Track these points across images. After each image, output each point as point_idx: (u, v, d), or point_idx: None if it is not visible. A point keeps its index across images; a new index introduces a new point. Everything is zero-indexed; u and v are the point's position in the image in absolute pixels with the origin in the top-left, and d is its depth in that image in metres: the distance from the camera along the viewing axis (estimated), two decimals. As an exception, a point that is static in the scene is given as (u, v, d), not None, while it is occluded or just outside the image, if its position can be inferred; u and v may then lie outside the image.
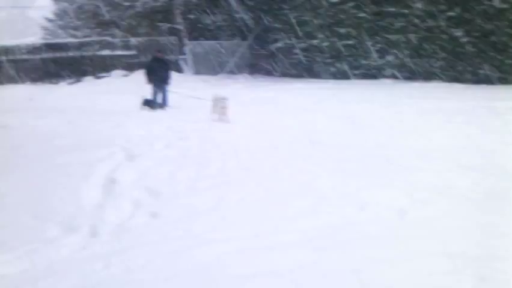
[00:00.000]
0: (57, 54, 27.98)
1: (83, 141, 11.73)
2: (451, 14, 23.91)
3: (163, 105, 18.65)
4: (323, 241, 6.04)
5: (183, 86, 24.36)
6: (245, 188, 8.10)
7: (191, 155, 10.51)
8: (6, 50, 27.24)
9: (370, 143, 11.43)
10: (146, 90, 18.71)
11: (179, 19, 32.15)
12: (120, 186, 8.28)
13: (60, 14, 48.45)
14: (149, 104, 18.31)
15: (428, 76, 24.99)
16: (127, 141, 11.57)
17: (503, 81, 22.75)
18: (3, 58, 27.08)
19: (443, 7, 24.10)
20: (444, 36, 24.26)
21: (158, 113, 17.13)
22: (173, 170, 9.18)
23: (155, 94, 18.84)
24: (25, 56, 27.59)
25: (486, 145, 10.96)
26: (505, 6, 22.42)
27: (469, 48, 23.56)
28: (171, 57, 29.75)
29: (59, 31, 47.14)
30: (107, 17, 36.83)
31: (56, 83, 27.52)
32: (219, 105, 15.02)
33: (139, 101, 18.32)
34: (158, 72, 18.77)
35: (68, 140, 11.77)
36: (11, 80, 27.07)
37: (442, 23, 24.23)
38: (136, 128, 13.49)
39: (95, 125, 14.07)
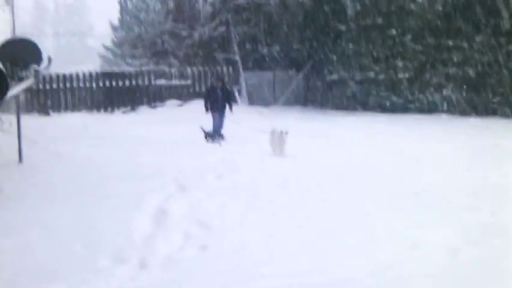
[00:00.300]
0: (113, 83, 28.33)
1: (135, 170, 11.84)
2: (511, 48, 23.58)
3: (222, 135, 18.19)
4: (373, 279, 5.94)
5: (237, 116, 24.47)
6: (295, 222, 8.05)
7: (242, 188, 10.49)
8: (64, 78, 27.72)
9: (423, 179, 11.26)
10: (201, 120, 18.82)
11: (235, 49, 32.38)
12: (171, 217, 8.31)
13: (119, 43, 49.32)
14: (211, 135, 17.94)
15: (485, 111, 24.57)
16: (179, 172, 11.64)
17: None
18: (60, 86, 27.56)
19: (503, 41, 23.80)
20: (504, 71, 23.90)
21: (212, 143, 17.17)
22: (224, 203, 9.18)
23: (215, 122, 18.33)
24: (81, 84, 28.02)
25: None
26: None
27: (529, 83, 23.18)
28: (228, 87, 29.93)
29: (117, 59, 47.95)
30: (164, 46, 37.29)
31: (111, 112, 27.85)
32: (278, 139, 14.92)
33: (197, 132, 18.41)
34: (218, 100, 18.29)
35: (121, 169, 11.90)
36: (67, 108, 27.50)
37: (502, 57, 23.91)
38: (189, 159, 13.56)
39: (148, 155, 14.19)
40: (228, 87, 19.63)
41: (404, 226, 7.72)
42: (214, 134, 17.94)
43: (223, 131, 18.41)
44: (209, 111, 18.37)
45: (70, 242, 7.21)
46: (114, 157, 13.77)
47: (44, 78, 26.18)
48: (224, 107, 18.42)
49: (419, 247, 6.90)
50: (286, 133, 14.61)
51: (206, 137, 17.82)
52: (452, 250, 6.74)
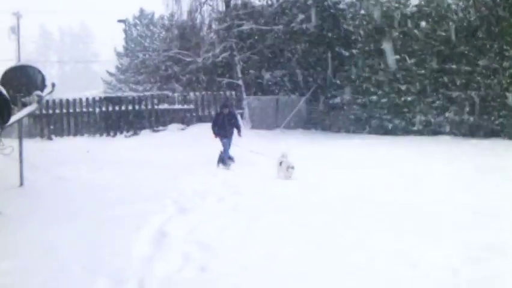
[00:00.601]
0: (116, 108, 28.41)
1: (137, 194, 11.83)
2: (513, 71, 23.68)
3: (232, 157, 18.03)
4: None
5: (239, 140, 24.49)
6: (296, 243, 7.99)
7: (243, 210, 10.45)
8: (67, 103, 27.82)
9: (425, 199, 11.24)
10: (203, 144, 18.81)
11: (238, 74, 32.49)
12: (170, 239, 8.27)
13: (123, 69, 49.65)
14: (221, 160, 17.84)
15: (488, 133, 24.64)
16: (180, 195, 11.63)
17: None
18: (63, 111, 27.65)
19: (506, 64, 23.87)
20: (506, 94, 23.96)
21: (214, 167, 17.13)
22: (224, 225, 9.13)
23: (226, 148, 18.22)
24: (84, 109, 28.10)
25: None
26: None
27: (531, 105, 23.22)
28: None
29: (121, 85, 48.22)
30: (168, 72, 37.45)
31: (114, 136, 27.91)
32: (285, 167, 14.86)
33: (198, 155, 18.45)
34: (225, 126, 18.33)
35: (122, 193, 11.88)
36: (69, 133, 27.59)
37: (504, 81, 23.97)
38: (190, 182, 13.55)
39: (149, 178, 14.19)
40: (235, 112, 19.61)
41: (405, 246, 7.68)
42: (224, 158, 17.88)
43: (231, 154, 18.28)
44: (217, 136, 18.40)
45: (70, 263, 7.18)
46: (116, 180, 13.78)
47: (47, 103, 26.32)
48: (232, 132, 18.46)
49: (419, 266, 6.86)
50: (293, 168, 14.57)
51: (218, 162, 17.76)
52: (452, 269, 6.71)
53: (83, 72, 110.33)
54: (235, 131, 18.55)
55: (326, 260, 7.20)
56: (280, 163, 15.05)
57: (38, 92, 13.67)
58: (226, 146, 18.20)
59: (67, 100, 28.07)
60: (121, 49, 52.08)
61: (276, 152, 16.11)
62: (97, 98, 29.15)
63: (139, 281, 6.56)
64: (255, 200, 11.49)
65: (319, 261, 7.16)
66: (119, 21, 50.36)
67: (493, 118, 24.47)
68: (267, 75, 33.95)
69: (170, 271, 6.93)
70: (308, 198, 11.61)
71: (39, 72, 14.06)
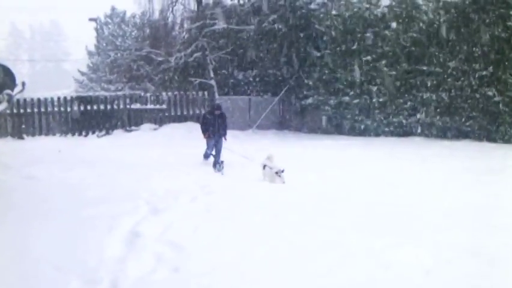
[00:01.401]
0: (88, 107, 28.24)
1: (109, 194, 11.75)
2: (483, 73, 23.88)
3: (222, 162, 17.66)
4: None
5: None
6: (269, 243, 8.02)
7: (216, 210, 10.46)
8: (38, 102, 27.58)
9: (397, 200, 11.33)
10: (175, 144, 18.75)
11: (211, 74, 32.46)
12: (143, 239, 8.24)
13: (94, 68, 49.38)
14: (215, 165, 17.64)
15: (458, 135, 24.88)
16: (152, 195, 11.59)
17: (535, 141, 22.61)
18: (35, 110, 27.41)
19: (476, 66, 24.10)
20: (476, 95, 24.19)
21: (187, 167, 17.07)
22: (197, 224, 9.12)
23: (211, 148, 18.28)
24: (56, 109, 27.89)
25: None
26: (538, 66, 22.42)
27: (501, 107, 23.44)
28: (201, 112, 30.01)
29: (92, 84, 47.95)
30: (140, 71, 37.34)
31: (86, 136, 27.74)
32: (274, 173, 14.72)
33: (171, 155, 18.39)
34: (215, 128, 18.25)
35: (95, 193, 11.80)
36: (41, 132, 27.33)
37: (474, 82, 24.20)
38: (163, 182, 13.51)
39: (122, 178, 14.13)
40: (224, 114, 19.30)
41: (377, 246, 7.74)
42: (213, 160, 17.98)
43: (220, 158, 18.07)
44: (206, 135, 18.36)
45: (42, 264, 7.13)
46: (88, 181, 13.69)
47: (18, 102, 26.10)
48: (221, 135, 18.43)
49: (392, 267, 6.92)
50: (282, 171, 14.34)
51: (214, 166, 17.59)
52: (425, 270, 6.78)
53: (54, 71, 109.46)
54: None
55: (298, 260, 7.23)
56: (264, 166, 14.96)
57: (8, 91, 13.51)
58: (211, 148, 18.29)
59: (38, 99, 27.82)
60: (92, 48, 51.78)
61: (249, 152, 16.16)
62: (69, 98, 28.95)
63: (112, 282, 6.55)
64: (227, 200, 11.48)
65: (291, 262, 7.20)
66: (91, 19, 50.05)
67: (463, 119, 24.69)
68: (239, 76, 33.98)
69: (143, 272, 6.93)
70: (280, 198, 11.63)
71: (9, 70, 13.91)
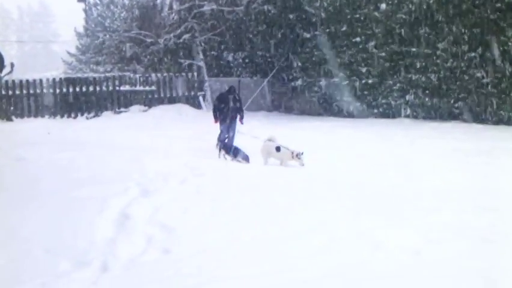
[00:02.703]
0: (77, 89, 28.09)
1: (99, 175, 11.73)
2: (472, 54, 23.92)
3: (237, 148, 16.53)
4: (335, 280, 5.98)
5: (200, 122, 24.48)
6: (259, 225, 8.05)
7: (206, 192, 10.47)
8: (27, 84, 27.42)
9: (386, 182, 11.39)
10: (165, 126, 18.69)
11: (200, 56, 32.38)
12: (133, 221, 8.26)
13: (83, 49, 49.07)
14: (226, 148, 16.60)
15: (447, 116, 24.95)
16: (142, 177, 11.58)
17: (523, 122, 22.71)
18: (24, 92, 27.25)
19: (465, 48, 24.13)
20: (465, 77, 24.24)
21: (177, 148, 17.01)
22: (187, 206, 9.14)
23: (224, 134, 17.20)
24: (45, 90, 27.74)
25: (503, 186, 10.87)
26: (526, 48, 22.47)
27: (490, 89, 23.51)
28: (191, 93, 29.94)
29: (81, 66, 47.70)
30: (129, 52, 37.16)
31: (75, 117, 27.62)
32: (294, 155, 14.45)
33: (160, 137, 18.33)
34: (228, 111, 17.17)
35: (85, 174, 11.78)
36: (30, 114, 27.14)
37: (463, 64, 24.24)
38: (153, 163, 13.48)
39: (112, 160, 14.07)
40: (239, 97, 18.27)
41: (367, 227, 7.77)
42: (225, 147, 16.69)
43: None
44: (219, 121, 17.28)
45: (32, 246, 7.15)
46: (78, 162, 13.63)
47: (6, 83, 25.96)
48: (235, 118, 17.39)
49: (382, 248, 6.96)
50: (302, 153, 14.29)
51: (221, 150, 16.69)
52: (414, 251, 6.82)
53: (43, 53, 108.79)
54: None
55: (288, 242, 7.27)
56: (278, 148, 14.78)
57: (-3, 72, 13.46)
58: (224, 133, 17.24)
59: (27, 81, 27.67)
60: (81, 29, 51.43)
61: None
62: (58, 79, 28.79)
63: (102, 264, 6.59)
64: (217, 182, 11.49)
65: (281, 243, 7.24)
66: (79, 0, 49.70)
67: (452, 101, 24.77)
68: (228, 57, 33.93)
69: (133, 253, 6.96)
70: (270, 181, 11.65)
71: (-2, 52, 13.81)
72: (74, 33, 52.53)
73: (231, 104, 17.22)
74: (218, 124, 17.31)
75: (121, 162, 13.60)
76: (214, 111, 17.44)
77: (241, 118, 17.42)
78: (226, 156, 16.13)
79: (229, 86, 18.54)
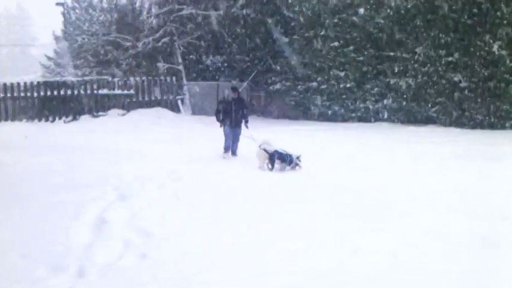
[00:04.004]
0: (55, 93, 27.94)
1: (76, 180, 11.69)
2: (450, 59, 24.09)
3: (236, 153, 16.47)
4: (313, 284, 5.99)
5: (179, 125, 24.45)
6: (237, 229, 8.05)
7: (184, 196, 10.46)
8: (4, 87, 27.24)
9: (364, 185, 11.41)
10: (143, 130, 18.59)
11: (179, 60, 32.34)
12: (110, 226, 8.22)
13: (61, 53, 48.79)
14: (227, 149, 16.30)
15: (425, 120, 25.14)
16: (120, 181, 11.55)
17: (499, 126, 22.87)
18: (1, 96, 27.05)
19: (442, 52, 24.29)
20: (443, 81, 24.41)
21: (155, 153, 16.92)
22: (165, 211, 9.13)
23: (229, 140, 16.36)
24: (22, 94, 27.58)
25: (480, 190, 10.94)
26: (503, 52, 22.60)
27: (467, 93, 23.68)
28: (169, 97, 29.85)
29: (60, 69, 47.43)
30: (107, 56, 37.02)
31: (53, 121, 27.45)
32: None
33: (139, 141, 18.22)
34: (232, 114, 16.33)
35: (62, 179, 11.73)
36: (7, 117, 27.00)
37: (441, 68, 24.40)
38: (130, 168, 13.44)
39: (89, 164, 14.03)
40: (243, 98, 17.54)
41: (345, 231, 7.81)
42: (227, 149, 16.34)
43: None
44: (223, 125, 16.37)
45: (8, 251, 7.08)
46: (55, 166, 13.57)
47: (-17, 87, 25.79)
48: (239, 122, 16.48)
49: (359, 252, 6.99)
50: (299, 157, 14.04)
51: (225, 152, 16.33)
52: (392, 254, 6.86)
53: (20, 56, 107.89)
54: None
55: (267, 246, 7.27)
56: (265, 150, 14.18)
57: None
58: (229, 137, 16.39)
59: (4, 84, 27.49)
60: (59, 33, 51.14)
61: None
62: (36, 83, 28.63)
63: (79, 269, 6.54)
64: (196, 186, 11.49)
65: (260, 247, 7.24)
66: (58, 4, 49.34)
67: (429, 105, 24.94)
68: (207, 61, 33.93)
69: (110, 258, 6.92)
70: (249, 184, 11.65)
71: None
72: (53, 37, 52.24)
73: (234, 105, 16.44)
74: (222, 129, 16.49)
75: (98, 167, 13.56)
76: (217, 115, 16.54)
77: (246, 122, 16.52)
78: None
79: (232, 87, 17.90)
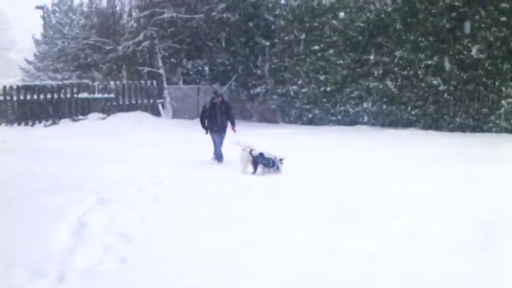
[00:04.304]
0: (35, 96, 27.80)
1: (56, 184, 11.62)
2: (429, 62, 24.23)
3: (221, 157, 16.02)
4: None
5: (159, 129, 24.40)
6: (217, 233, 8.05)
7: (164, 200, 10.44)
8: (-17, 92, 27.14)
9: (344, 188, 11.44)
10: (124, 134, 18.53)
11: (159, 63, 32.27)
12: (90, 230, 8.19)
13: (41, 57, 48.55)
14: (220, 158, 15.91)
15: (404, 123, 25.26)
16: (100, 185, 11.51)
17: (477, 129, 23.02)
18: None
19: (421, 56, 24.43)
20: (422, 84, 24.54)
21: (135, 156, 16.86)
22: (145, 215, 9.10)
23: (219, 146, 15.96)
24: (1, 98, 27.43)
25: (460, 192, 11.00)
26: (481, 56, 22.76)
27: (446, 96, 23.83)
28: (150, 101, 29.80)
29: (39, 73, 47.18)
30: (87, 60, 36.90)
31: (33, 125, 27.32)
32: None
33: (119, 144, 18.13)
34: (217, 119, 15.90)
35: (41, 183, 11.66)
36: (-14, 122, 26.96)
37: (420, 72, 24.54)
38: (110, 172, 13.40)
39: (69, 168, 13.96)
40: (228, 102, 17.32)
41: (324, 234, 7.84)
42: (219, 157, 15.97)
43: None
44: (208, 130, 16.02)
45: (-14, 257, 7.04)
46: (34, 170, 13.49)
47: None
48: (225, 126, 16.12)
49: (338, 255, 7.01)
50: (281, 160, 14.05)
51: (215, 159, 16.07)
52: (371, 257, 6.89)
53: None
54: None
55: (247, 250, 7.28)
56: (250, 153, 14.13)
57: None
58: (217, 143, 16.03)
59: (-17, 88, 27.35)
60: (39, 37, 50.90)
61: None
62: (15, 87, 28.46)
63: (59, 274, 6.51)
64: (176, 190, 11.46)
65: (240, 251, 7.25)
66: (37, 7, 49.20)
67: (409, 108, 25.06)
68: (188, 65, 33.89)
69: (90, 263, 6.90)
70: (228, 188, 11.64)
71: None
72: (32, 41, 51.98)
73: (218, 110, 15.94)
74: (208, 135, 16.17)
75: (78, 171, 13.50)
76: (202, 121, 16.12)
77: (233, 125, 16.13)
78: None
79: (214, 91, 17.80)
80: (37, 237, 7.80)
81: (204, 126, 16.04)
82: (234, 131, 15.85)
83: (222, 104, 16.16)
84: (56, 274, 6.49)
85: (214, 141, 16.07)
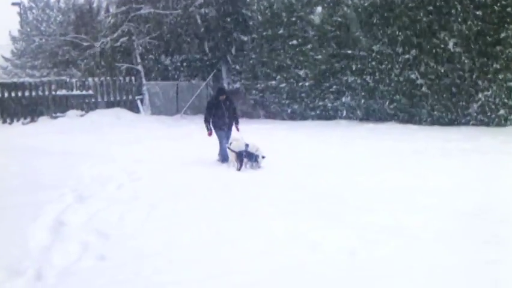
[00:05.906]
0: (13, 94, 27.55)
1: (33, 182, 11.59)
2: (406, 56, 24.30)
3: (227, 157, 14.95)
4: (273, 283, 6.04)
5: (138, 126, 24.32)
6: (196, 229, 8.05)
7: (143, 196, 10.43)
8: (-40, 90, 26.87)
9: (323, 183, 11.49)
10: (102, 131, 18.43)
11: (138, 59, 32.15)
12: (68, 228, 8.17)
13: (19, 54, 48.27)
14: (225, 159, 14.95)
15: (382, 117, 25.34)
16: (78, 182, 11.48)
17: (455, 122, 23.14)
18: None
19: (399, 50, 24.51)
20: (400, 78, 24.61)
21: (114, 153, 16.77)
22: (124, 212, 9.09)
23: (225, 144, 14.91)
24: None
25: (438, 185, 11.08)
26: (458, 50, 22.86)
27: (424, 90, 23.92)
28: (129, 97, 29.74)
29: (17, 70, 46.91)
30: (65, 56, 36.73)
31: (10, 123, 27.08)
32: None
33: (97, 142, 18.07)
34: (224, 117, 15.28)
35: (19, 181, 11.63)
36: (-37, 120, 26.69)
37: (398, 66, 24.61)
38: (88, 169, 13.36)
39: (47, 166, 13.89)
40: (232, 99, 16.39)
41: (304, 229, 7.88)
42: (225, 158, 15.03)
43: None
44: (215, 129, 15.29)
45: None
46: (11, 168, 13.42)
47: None
48: (231, 124, 15.47)
49: (318, 249, 7.06)
50: (263, 157, 14.10)
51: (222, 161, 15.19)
52: (350, 251, 6.94)
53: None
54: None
55: (226, 246, 7.30)
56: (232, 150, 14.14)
57: None
58: (224, 142, 15.12)
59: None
60: (16, 33, 50.59)
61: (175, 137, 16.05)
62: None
63: (37, 272, 6.48)
64: (155, 187, 11.47)
65: (219, 247, 7.26)
66: (14, 4, 48.87)
67: (387, 102, 25.13)
68: (166, 61, 33.78)
69: (68, 261, 6.87)
70: (208, 184, 11.67)
71: None
72: (9, 37, 51.63)
73: (224, 107, 15.29)
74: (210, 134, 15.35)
75: (56, 168, 13.45)
76: (207, 121, 15.31)
77: (237, 123, 15.57)
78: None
79: (218, 88, 17.48)
80: (15, 235, 7.77)
81: (207, 127, 15.28)
82: (238, 129, 15.34)
83: (228, 100, 15.61)
84: (34, 272, 6.46)
85: (220, 140, 15.31)
